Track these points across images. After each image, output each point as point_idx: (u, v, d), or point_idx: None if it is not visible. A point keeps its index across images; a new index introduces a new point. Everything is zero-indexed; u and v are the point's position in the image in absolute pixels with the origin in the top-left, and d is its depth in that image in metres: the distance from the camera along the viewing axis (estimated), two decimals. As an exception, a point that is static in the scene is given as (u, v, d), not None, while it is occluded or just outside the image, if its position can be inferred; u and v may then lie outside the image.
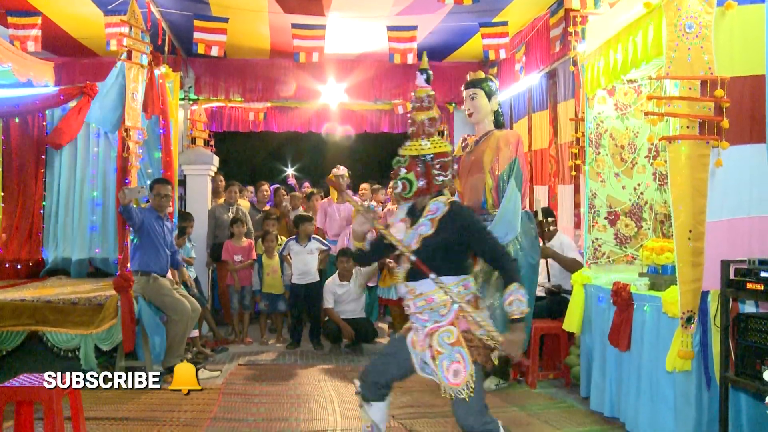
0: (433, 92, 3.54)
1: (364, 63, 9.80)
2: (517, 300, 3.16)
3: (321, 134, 11.15)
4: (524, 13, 7.82)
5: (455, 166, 3.54)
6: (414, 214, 3.46)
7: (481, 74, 5.88)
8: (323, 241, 7.88)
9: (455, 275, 3.29)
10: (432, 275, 3.22)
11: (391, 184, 3.47)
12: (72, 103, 6.81)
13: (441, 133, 10.52)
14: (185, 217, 7.61)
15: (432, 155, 3.36)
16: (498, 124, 5.79)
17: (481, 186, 5.63)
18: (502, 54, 7.95)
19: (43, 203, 7.36)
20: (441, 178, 3.37)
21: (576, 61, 5.88)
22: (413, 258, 3.27)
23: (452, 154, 3.48)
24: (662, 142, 4.00)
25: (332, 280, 7.33)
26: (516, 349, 3.16)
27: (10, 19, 7.17)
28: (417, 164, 3.36)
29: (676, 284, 3.90)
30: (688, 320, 3.83)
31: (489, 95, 5.71)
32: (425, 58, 3.68)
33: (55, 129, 6.91)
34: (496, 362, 3.31)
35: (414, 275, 3.34)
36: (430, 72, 3.60)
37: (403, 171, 3.38)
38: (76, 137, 7.23)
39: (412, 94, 3.56)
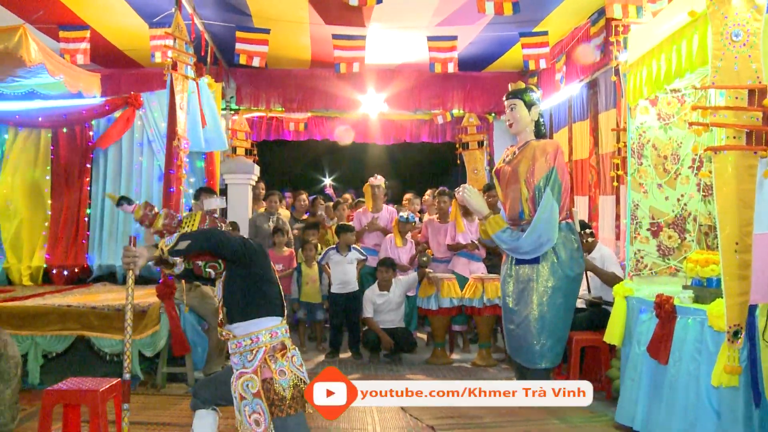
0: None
1: (403, 73, 9.85)
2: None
3: (360, 144, 11.20)
4: (564, 23, 7.79)
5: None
6: None
7: (522, 85, 5.87)
8: (361, 250, 7.89)
9: (261, 317, 3.34)
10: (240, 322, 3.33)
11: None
12: (117, 113, 6.98)
13: (480, 143, 10.52)
14: (231, 227, 7.64)
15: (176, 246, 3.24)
16: (539, 135, 5.75)
17: (518, 196, 5.61)
18: (543, 64, 7.92)
19: (88, 211, 7.52)
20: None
21: (618, 70, 5.82)
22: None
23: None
24: (707, 152, 3.93)
25: (372, 290, 7.35)
26: None
27: (62, 34, 7.39)
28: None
29: (721, 297, 3.82)
30: (735, 334, 3.74)
31: (529, 105, 5.68)
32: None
33: (102, 135, 7.15)
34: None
35: (229, 317, 3.40)
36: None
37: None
38: (121, 147, 7.41)
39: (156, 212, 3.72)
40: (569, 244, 5.51)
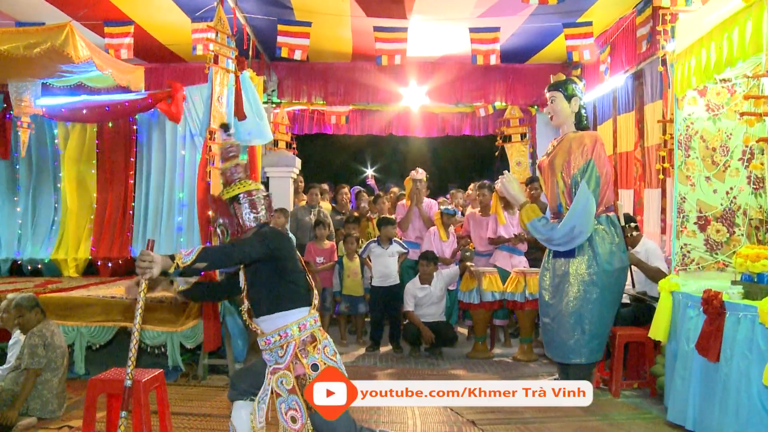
0: (237, 142, 3.61)
1: (445, 65, 9.78)
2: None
3: (401, 136, 11.19)
4: (609, 13, 7.65)
5: (268, 202, 3.54)
6: None
7: (562, 76, 5.77)
8: (403, 243, 7.86)
9: (288, 309, 3.31)
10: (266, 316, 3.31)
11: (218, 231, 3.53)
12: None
13: (523, 136, 10.42)
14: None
15: (241, 194, 3.39)
16: (580, 126, 5.63)
17: (555, 189, 5.53)
18: (586, 55, 7.77)
19: (133, 204, 7.64)
20: (252, 215, 3.42)
21: (665, 60, 5.69)
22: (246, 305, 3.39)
23: (261, 191, 3.49)
24: (760, 143, 3.81)
25: (413, 283, 7.32)
26: None
27: (107, 29, 7.51)
28: (228, 208, 3.43)
29: (773, 293, 3.71)
30: (788, 332, 3.63)
31: (568, 97, 5.57)
32: (225, 124, 3.78)
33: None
34: None
35: (255, 311, 3.38)
36: (229, 125, 3.77)
37: (220, 220, 3.47)
38: (165, 141, 7.49)
39: (218, 147, 3.64)
40: (608, 238, 5.38)
